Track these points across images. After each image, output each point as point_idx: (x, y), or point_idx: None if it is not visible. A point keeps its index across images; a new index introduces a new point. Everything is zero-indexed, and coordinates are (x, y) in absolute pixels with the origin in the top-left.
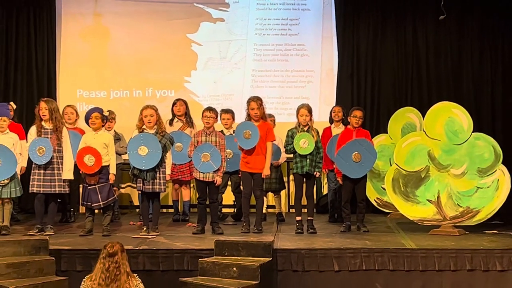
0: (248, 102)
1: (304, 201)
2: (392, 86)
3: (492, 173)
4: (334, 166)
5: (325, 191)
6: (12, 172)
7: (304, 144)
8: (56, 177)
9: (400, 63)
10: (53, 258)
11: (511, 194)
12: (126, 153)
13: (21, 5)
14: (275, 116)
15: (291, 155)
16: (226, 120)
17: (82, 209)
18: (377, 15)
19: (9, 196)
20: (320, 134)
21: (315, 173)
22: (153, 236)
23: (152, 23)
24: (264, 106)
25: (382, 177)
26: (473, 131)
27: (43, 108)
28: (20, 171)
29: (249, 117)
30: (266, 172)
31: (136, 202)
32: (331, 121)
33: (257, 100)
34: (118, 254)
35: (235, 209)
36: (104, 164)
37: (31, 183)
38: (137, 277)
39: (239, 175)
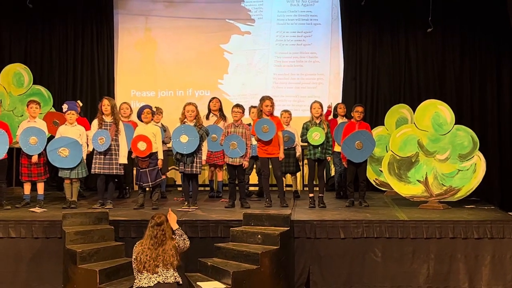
0: (263, 100)
1: (316, 181)
2: (388, 87)
3: (471, 158)
4: (338, 150)
5: (332, 173)
6: (78, 160)
7: (316, 137)
8: (113, 161)
9: (394, 68)
10: (112, 227)
11: (486, 175)
12: (169, 142)
13: (86, 22)
14: (292, 111)
15: (306, 144)
16: (254, 114)
17: (135, 188)
18: (376, 29)
19: (76, 177)
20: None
21: (327, 157)
22: (192, 210)
23: (192, 35)
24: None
25: (379, 162)
26: (455, 124)
27: (106, 104)
28: (85, 156)
29: (261, 112)
30: (281, 155)
31: (179, 182)
32: (336, 115)
33: (271, 99)
34: (164, 224)
35: (259, 188)
36: (153, 151)
37: (93, 166)
38: (176, 238)
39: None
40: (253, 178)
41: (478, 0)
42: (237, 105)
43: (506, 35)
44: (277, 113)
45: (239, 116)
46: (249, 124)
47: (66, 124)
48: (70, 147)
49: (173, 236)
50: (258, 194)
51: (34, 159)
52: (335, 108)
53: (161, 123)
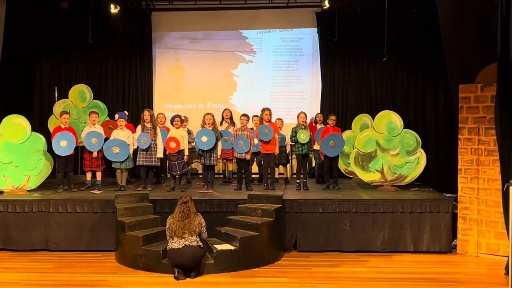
0: (264, 110)
1: (301, 171)
2: (354, 101)
3: (415, 153)
4: (318, 149)
5: (313, 164)
6: (126, 156)
7: (303, 137)
8: (153, 156)
9: (359, 87)
10: (151, 204)
11: (426, 166)
12: (193, 142)
13: (132, 53)
14: (283, 119)
15: (293, 143)
16: (255, 121)
17: (168, 176)
18: (345, 58)
19: (125, 167)
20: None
21: (310, 154)
22: (210, 192)
23: (210, 63)
24: (272, 113)
25: (348, 156)
26: (403, 128)
27: (146, 114)
28: (132, 152)
29: (262, 119)
30: (277, 151)
31: (200, 171)
32: (316, 122)
33: (269, 109)
34: (189, 202)
35: (259, 175)
36: (181, 148)
37: (138, 159)
38: (199, 215)
39: (261, 155)
40: (255, 168)
41: (420, 36)
42: (244, 114)
43: (441, 61)
44: (273, 120)
45: (245, 123)
46: (252, 129)
47: (117, 129)
48: (120, 146)
49: (198, 213)
50: (258, 180)
51: (95, 154)
52: (315, 116)
53: (187, 128)
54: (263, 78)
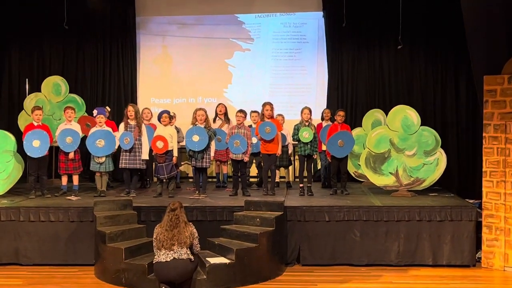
0: (264, 105)
1: (305, 173)
2: (365, 94)
3: (434, 153)
4: (324, 149)
5: (319, 166)
6: (110, 151)
7: (306, 135)
8: (137, 157)
9: (370, 79)
10: (135, 212)
11: (447, 168)
12: (183, 141)
13: (113, 40)
14: (285, 115)
15: (296, 142)
16: (254, 118)
17: (155, 179)
18: (355, 47)
19: (105, 170)
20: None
21: (313, 155)
22: (202, 197)
23: (202, 52)
24: (274, 108)
25: (358, 157)
26: (420, 125)
27: (130, 110)
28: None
29: (263, 115)
30: (279, 151)
31: (191, 174)
32: (322, 118)
33: (271, 104)
34: (178, 209)
35: (258, 179)
36: (169, 149)
37: (120, 161)
38: (191, 225)
39: (261, 156)
40: (253, 171)
41: (439, 21)
42: (241, 110)
43: (462, 50)
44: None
45: (242, 120)
46: (250, 126)
47: (96, 127)
48: (104, 137)
49: (189, 223)
50: (257, 184)
51: (71, 155)
52: (322, 113)
53: (175, 126)
54: (261, 68)
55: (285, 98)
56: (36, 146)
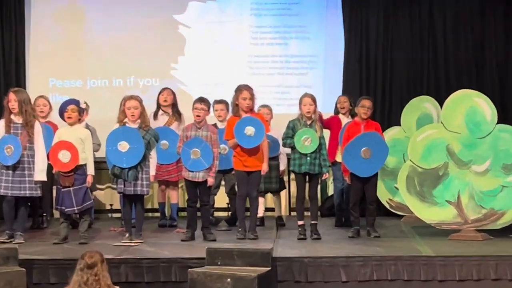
0: (239, 90)
1: (306, 203)
2: (406, 72)
3: None
4: (339, 160)
5: (330, 191)
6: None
7: (307, 142)
8: (26, 178)
9: (414, 43)
10: (24, 269)
11: None
12: (98, 150)
13: None
14: (273, 107)
15: (289, 150)
16: (219, 112)
17: (56, 214)
18: None
19: None
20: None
21: (324, 175)
22: (136, 244)
23: (134, 4)
24: (255, 96)
25: (395, 176)
26: (497, 123)
27: (12, 99)
28: None
29: (237, 107)
30: (265, 167)
31: (117, 205)
32: (337, 112)
33: (250, 88)
34: (97, 265)
35: (230, 213)
36: (80, 163)
37: None
38: None
39: (233, 175)
40: (221, 199)
41: None
42: (200, 100)
43: None
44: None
45: (203, 115)
46: (215, 125)
47: None
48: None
49: (115, 287)
50: (228, 222)
51: None
52: (336, 102)
53: (86, 124)
54: (234, 30)
55: (274, 79)
56: None
